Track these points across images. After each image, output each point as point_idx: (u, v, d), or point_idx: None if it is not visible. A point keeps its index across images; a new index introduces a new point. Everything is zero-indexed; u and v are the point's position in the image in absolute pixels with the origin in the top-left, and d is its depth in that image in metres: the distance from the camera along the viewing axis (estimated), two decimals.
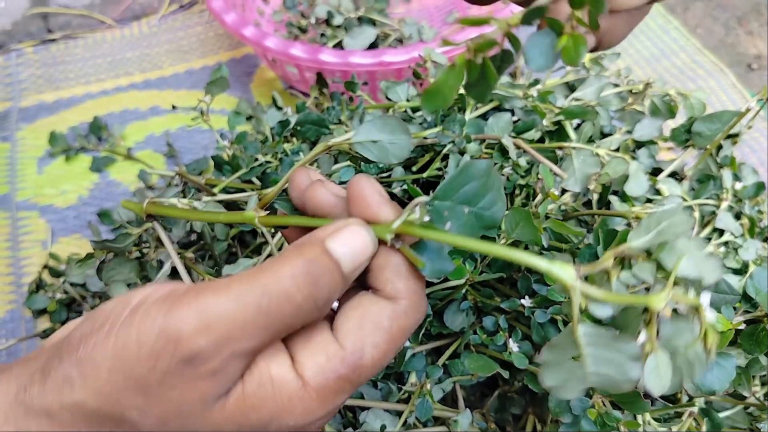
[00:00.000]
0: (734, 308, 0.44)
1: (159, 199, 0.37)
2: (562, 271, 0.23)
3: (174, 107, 0.71)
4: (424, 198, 0.26)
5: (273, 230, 0.34)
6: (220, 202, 0.49)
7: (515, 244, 0.47)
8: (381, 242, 0.28)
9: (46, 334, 0.67)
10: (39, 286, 0.69)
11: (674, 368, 0.23)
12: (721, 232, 0.56)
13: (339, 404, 0.27)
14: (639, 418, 0.42)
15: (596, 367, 0.23)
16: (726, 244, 0.55)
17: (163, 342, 0.24)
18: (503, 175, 0.52)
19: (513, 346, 0.45)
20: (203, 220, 0.36)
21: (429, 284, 0.48)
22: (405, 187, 0.51)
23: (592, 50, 0.30)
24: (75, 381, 0.25)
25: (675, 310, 0.23)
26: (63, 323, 0.66)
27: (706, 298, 0.23)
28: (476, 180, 0.26)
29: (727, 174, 0.58)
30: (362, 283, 0.29)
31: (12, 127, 0.86)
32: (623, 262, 0.25)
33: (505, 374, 0.45)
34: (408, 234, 0.27)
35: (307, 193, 0.31)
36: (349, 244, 0.27)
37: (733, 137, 0.59)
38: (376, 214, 0.28)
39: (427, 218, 0.26)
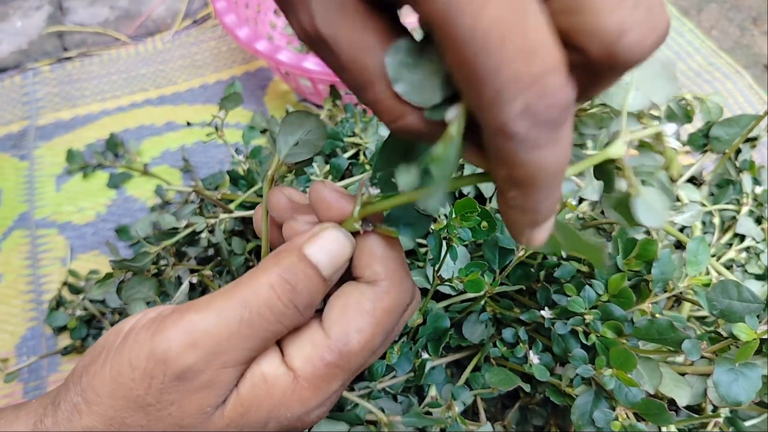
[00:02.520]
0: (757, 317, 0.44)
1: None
2: None
3: (189, 123, 0.71)
4: (366, 175, 0.26)
5: None
6: (237, 218, 0.49)
7: (533, 255, 0.47)
8: (356, 234, 0.29)
9: (66, 351, 0.67)
10: (59, 303, 0.70)
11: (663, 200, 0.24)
12: (742, 238, 0.55)
13: (334, 391, 0.28)
14: (663, 429, 0.41)
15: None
16: (747, 249, 0.55)
17: (153, 363, 0.25)
18: None
19: (534, 358, 0.44)
20: None
21: (446, 297, 0.48)
22: None
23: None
24: (81, 408, 0.26)
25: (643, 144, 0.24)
26: (83, 340, 0.66)
27: (670, 128, 0.23)
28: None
29: (746, 178, 0.57)
30: (351, 275, 0.30)
31: (30, 146, 0.87)
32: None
33: (527, 387, 0.45)
34: (370, 213, 0.27)
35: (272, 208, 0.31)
36: (326, 247, 0.27)
37: (751, 141, 0.58)
38: (340, 210, 0.28)
39: (376, 191, 0.26)
